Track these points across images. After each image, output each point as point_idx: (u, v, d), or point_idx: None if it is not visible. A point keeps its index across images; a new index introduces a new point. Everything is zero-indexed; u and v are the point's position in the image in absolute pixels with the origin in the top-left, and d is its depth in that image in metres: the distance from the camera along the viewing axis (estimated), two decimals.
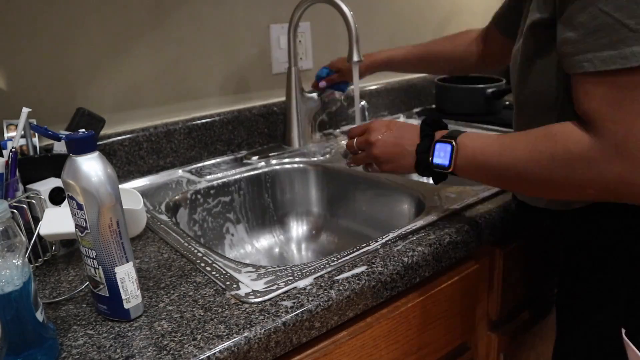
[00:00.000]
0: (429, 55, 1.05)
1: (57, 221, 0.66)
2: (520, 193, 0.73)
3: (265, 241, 1.04)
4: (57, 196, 0.76)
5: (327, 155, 1.11)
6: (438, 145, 0.67)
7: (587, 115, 0.54)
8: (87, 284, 0.58)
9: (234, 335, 0.52)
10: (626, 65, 0.50)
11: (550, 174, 0.57)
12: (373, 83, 1.40)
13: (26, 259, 0.48)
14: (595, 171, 0.53)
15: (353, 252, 0.67)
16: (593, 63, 0.52)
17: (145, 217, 0.78)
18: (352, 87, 1.04)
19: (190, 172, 1.04)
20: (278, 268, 0.64)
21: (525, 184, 0.61)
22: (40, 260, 0.69)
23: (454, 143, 0.66)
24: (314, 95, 1.17)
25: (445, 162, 0.67)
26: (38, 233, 0.65)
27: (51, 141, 0.89)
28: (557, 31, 0.57)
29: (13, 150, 0.74)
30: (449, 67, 1.07)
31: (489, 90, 1.34)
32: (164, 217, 0.83)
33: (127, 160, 1.01)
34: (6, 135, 0.84)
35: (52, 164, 0.81)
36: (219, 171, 1.04)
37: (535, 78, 0.65)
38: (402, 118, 1.42)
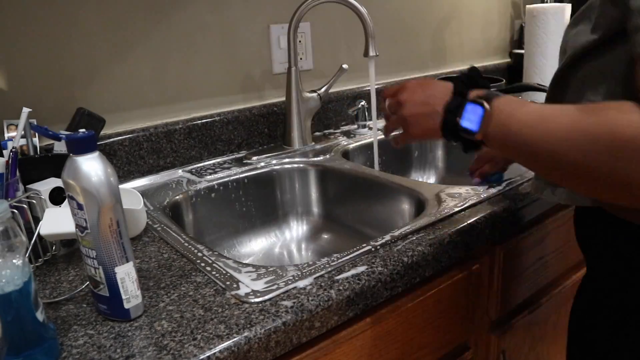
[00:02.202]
0: None
1: (57, 221, 0.66)
2: (550, 180, 0.61)
3: (265, 241, 1.04)
4: (57, 196, 0.76)
5: (327, 155, 1.11)
6: (469, 106, 0.57)
7: None
8: (87, 284, 0.58)
9: (234, 335, 0.52)
10: None
11: (586, 159, 0.46)
12: (367, 84, 1.40)
13: (26, 259, 0.48)
14: None
15: (353, 252, 0.67)
16: None
17: (146, 217, 0.78)
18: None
19: (190, 172, 1.04)
20: (278, 268, 0.64)
21: (557, 169, 0.50)
22: (40, 260, 0.69)
23: (485, 105, 0.56)
24: (314, 95, 1.17)
25: (474, 126, 0.57)
26: (38, 233, 0.65)
27: (51, 141, 0.89)
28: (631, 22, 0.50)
29: (13, 150, 0.74)
30: None
31: None
32: (164, 217, 0.83)
33: (127, 160, 1.01)
34: (6, 135, 0.84)
35: (52, 164, 0.81)
36: (219, 171, 1.04)
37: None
38: None
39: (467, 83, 0.62)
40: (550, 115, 0.50)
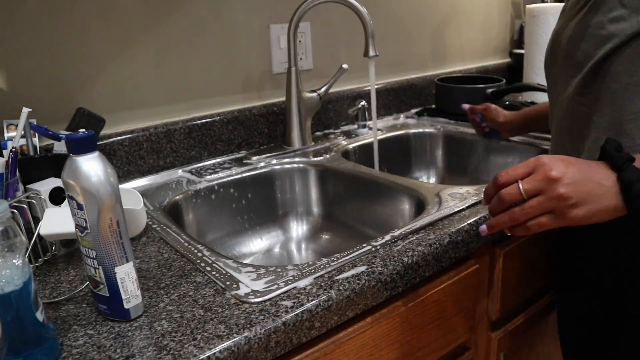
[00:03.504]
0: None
1: (57, 221, 0.66)
2: None
3: (265, 241, 1.04)
4: (57, 196, 0.76)
5: (327, 155, 1.11)
6: None
7: None
8: (87, 284, 0.58)
9: (234, 335, 0.52)
10: None
11: None
12: (367, 84, 1.40)
13: (26, 259, 0.48)
14: None
15: (353, 252, 0.67)
16: None
17: (145, 217, 0.78)
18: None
19: (190, 172, 1.04)
20: (278, 268, 0.64)
21: None
22: (40, 260, 0.69)
23: None
24: (314, 95, 1.17)
25: None
26: (38, 233, 0.65)
27: (51, 141, 0.89)
28: None
29: (13, 150, 0.74)
30: None
31: (489, 90, 1.34)
32: (164, 217, 0.83)
33: (127, 160, 1.01)
34: (6, 135, 0.84)
35: (52, 164, 0.81)
36: (219, 171, 1.04)
37: None
38: (401, 118, 1.42)
39: (618, 148, 0.56)
40: None
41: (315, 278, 0.61)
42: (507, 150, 1.20)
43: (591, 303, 0.72)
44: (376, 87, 1.40)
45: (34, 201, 0.72)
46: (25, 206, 0.70)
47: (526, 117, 1.06)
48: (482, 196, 0.61)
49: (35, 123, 0.84)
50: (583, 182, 0.54)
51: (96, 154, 0.52)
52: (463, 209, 0.79)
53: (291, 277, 0.62)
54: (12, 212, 0.50)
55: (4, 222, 0.46)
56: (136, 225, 0.75)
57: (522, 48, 1.65)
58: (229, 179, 1.01)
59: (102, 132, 0.96)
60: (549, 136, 0.80)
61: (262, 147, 1.18)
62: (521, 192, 0.55)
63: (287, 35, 1.11)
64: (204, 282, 0.62)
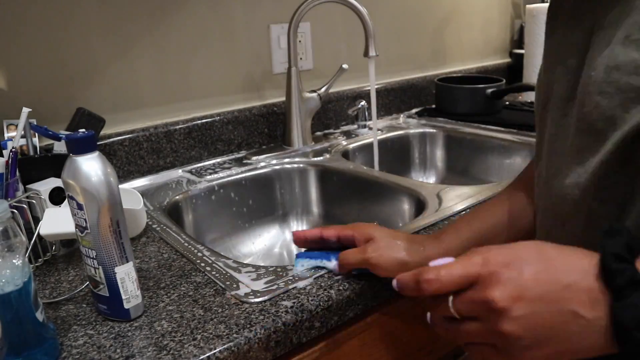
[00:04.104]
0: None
1: (57, 221, 0.66)
2: None
3: (265, 241, 1.04)
4: (57, 196, 0.76)
5: (327, 155, 1.11)
6: None
7: None
8: (87, 284, 0.58)
9: (234, 335, 0.52)
10: None
11: None
12: (367, 84, 1.40)
13: (26, 259, 0.48)
14: None
15: None
16: None
17: (145, 217, 0.78)
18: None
19: (190, 172, 1.04)
20: (278, 268, 0.64)
21: None
22: (40, 260, 0.69)
23: None
24: (314, 95, 1.17)
25: None
26: (38, 233, 0.65)
27: (51, 141, 0.89)
28: None
29: (13, 150, 0.74)
30: None
31: (489, 90, 1.35)
32: (164, 217, 0.83)
33: (127, 160, 1.01)
34: (6, 135, 0.84)
35: (52, 164, 0.81)
36: (219, 171, 1.04)
37: None
38: (401, 119, 1.42)
39: (626, 252, 0.35)
40: None
41: (315, 278, 0.61)
42: (507, 151, 1.20)
43: None
44: (376, 87, 1.40)
45: (33, 201, 0.72)
46: (25, 206, 0.70)
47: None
48: (394, 283, 0.45)
49: (35, 123, 0.84)
50: (546, 312, 0.36)
51: (96, 154, 0.52)
52: (463, 209, 0.79)
53: (291, 277, 0.62)
54: (12, 212, 0.50)
55: (4, 222, 0.46)
56: (136, 225, 0.75)
57: (522, 48, 1.65)
58: (229, 179, 1.01)
59: (102, 132, 0.96)
60: None
61: (262, 147, 1.18)
62: (451, 310, 0.40)
63: (287, 35, 1.11)
64: (204, 282, 0.62)
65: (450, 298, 0.40)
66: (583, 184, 0.43)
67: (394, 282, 0.45)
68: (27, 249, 0.58)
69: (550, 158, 0.49)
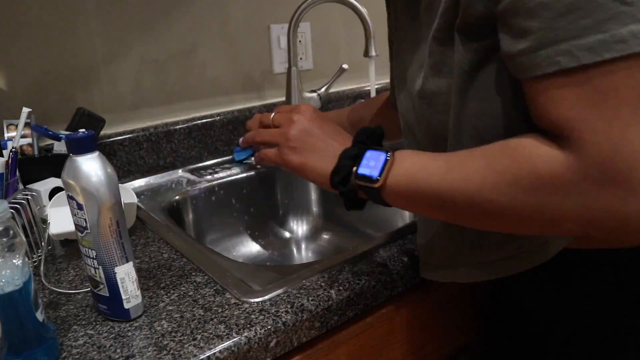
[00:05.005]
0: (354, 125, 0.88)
1: (64, 220, 0.66)
2: (470, 226, 0.50)
3: (265, 241, 1.04)
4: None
5: None
6: (369, 153, 0.52)
7: (558, 124, 0.40)
8: (87, 284, 0.58)
9: (234, 335, 0.52)
10: (627, 50, 0.36)
11: (512, 202, 0.42)
12: (367, 84, 1.40)
13: (26, 259, 0.48)
14: (574, 199, 0.40)
15: (353, 252, 0.67)
16: (573, 55, 0.38)
17: (135, 211, 0.78)
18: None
19: (190, 172, 1.04)
20: (278, 268, 0.64)
21: (479, 215, 0.46)
22: (35, 257, 0.69)
23: (389, 153, 0.51)
24: (314, 95, 1.17)
25: (374, 172, 0.50)
26: (49, 234, 0.65)
27: (51, 141, 0.89)
28: (500, 28, 0.44)
29: (13, 150, 0.75)
30: None
31: None
32: (164, 217, 0.83)
33: (127, 160, 1.01)
34: (6, 135, 0.84)
35: (52, 164, 0.81)
36: (219, 171, 1.04)
37: (476, 105, 0.49)
38: None
39: (370, 136, 0.55)
40: (460, 161, 0.46)
41: (315, 278, 0.61)
42: None
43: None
44: (376, 87, 1.40)
45: (33, 201, 0.72)
46: (25, 205, 0.70)
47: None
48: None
49: (35, 123, 0.84)
50: (315, 136, 0.57)
51: (96, 154, 0.52)
52: None
53: (291, 277, 0.62)
54: (12, 212, 0.50)
55: (4, 221, 0.46)
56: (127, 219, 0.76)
57: None
58: (229, 179, 1.01)
59: (102, 132, 0.96)
60: None
61: None
62: (271, 119, 0.62)
63: (287, 35, 1.11)
64: (204, 282, 0.62)
65: (273, 114, 0.62)
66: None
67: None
68: (30, 249, 0.58)
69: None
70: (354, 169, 0.52)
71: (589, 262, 0.54)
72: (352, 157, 0.53)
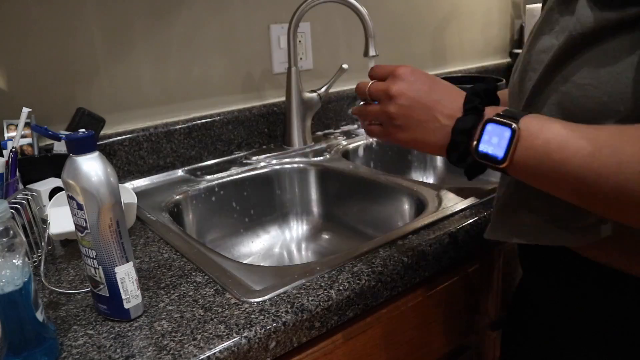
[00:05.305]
0: None
1: (64, 220, 0.66)
2: (598, 211, 0.44)
3: (265, 241, 1.04)
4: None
5: (327, 155, 1.11)
6: (490, 127, 0.46)
7: None
8: (87, 284, 0.58)
9: (234, 335, 0.52)
10: None
11: None
12: None
13: (26, 259, 0.48)
14: None
15: (353, 252, 0.67)
16: None
17: (135, 211, 0.78)
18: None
19: (190, 172, 1.04)
20: (278, 268, 0.64)
21: (622, 205, 0.40)
22: (40, 257, 0.69)
23: (515, 127, 0.44)
24: (314, 95, 1.17)
25: (500, 152, 0.45)
26: (49, 234, 0.65)
27: (51, 141, 0.89)
28: None
29: (13, 150, 0.75)
30: None
31: None
32: (164, 217, 0.83)
33: (127, 160, 1.01)
34: (6, 135, 0.84)
35: (52, 164, 0.81)
36: (219, 171, 1.04)
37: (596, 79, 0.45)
38: None
39: (484, 96, 0.51)
40: (612, 142, 0.40)
41: (315, 278, 0.61)
42: None
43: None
44: None
45: (32, 201, 0.72)
46: (24, 205, 0.70)
47: None
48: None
49: (35, 123, 0.84)
50: (418, 109, 0.52)
51: (96, 154, 0.52)
52: (463, 209, 0.79)
53: (291, 277, 0.62)
54: (12, 212, 0.50)
55: (4, 221, 0.46)
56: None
57: (522, 48, 1.65)
58: (229, 179, 1.01)
59: (102, 132, 0.96)
60: None
61: (262, 147, 1.18)
62: (366, 93, 0.58)
63: (287, 35, 1.11)
64: (204, 282, 0.62)
65: (370, 83, 0.57)
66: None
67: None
68: (30, 249, 0.58)
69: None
70: (474, 144, 0.47)
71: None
72: (467, 130, 0.49)
